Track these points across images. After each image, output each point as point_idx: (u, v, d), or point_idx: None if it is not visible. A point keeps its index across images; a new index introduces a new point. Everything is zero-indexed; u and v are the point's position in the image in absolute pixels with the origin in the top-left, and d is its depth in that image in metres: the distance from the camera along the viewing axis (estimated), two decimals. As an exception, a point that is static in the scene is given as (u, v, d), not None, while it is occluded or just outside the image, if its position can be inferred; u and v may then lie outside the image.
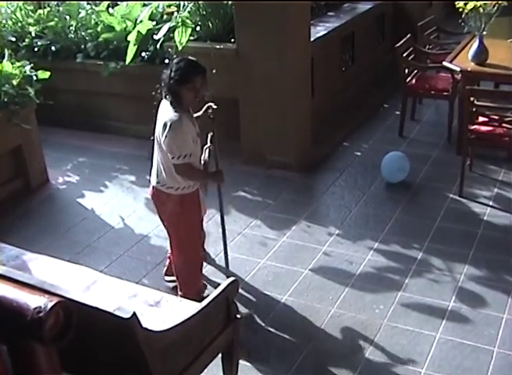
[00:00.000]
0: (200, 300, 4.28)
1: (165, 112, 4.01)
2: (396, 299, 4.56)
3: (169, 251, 4.60)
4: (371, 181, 6.16)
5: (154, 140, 4.20)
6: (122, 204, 6.00)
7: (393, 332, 4.26)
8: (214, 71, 6.27)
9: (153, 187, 4.27)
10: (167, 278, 4.73)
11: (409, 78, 7.06)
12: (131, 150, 6.99)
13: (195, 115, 4.23)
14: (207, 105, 4.27)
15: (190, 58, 4.08)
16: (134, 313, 2.78)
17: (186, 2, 6.62)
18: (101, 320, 2.85)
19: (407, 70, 7.01)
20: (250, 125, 6.39)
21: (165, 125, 3.94)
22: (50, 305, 2.39)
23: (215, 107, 4.32)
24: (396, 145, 6.75)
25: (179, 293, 4.41)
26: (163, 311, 3.53)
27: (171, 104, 3.98)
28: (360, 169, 6.43)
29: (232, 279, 3.51)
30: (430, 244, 5.17)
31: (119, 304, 2.83)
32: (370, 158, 6.60)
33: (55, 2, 7.88)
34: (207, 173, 4.28)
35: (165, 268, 4.76)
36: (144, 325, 2.87)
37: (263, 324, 4.37)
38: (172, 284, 4.63)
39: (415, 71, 7.18)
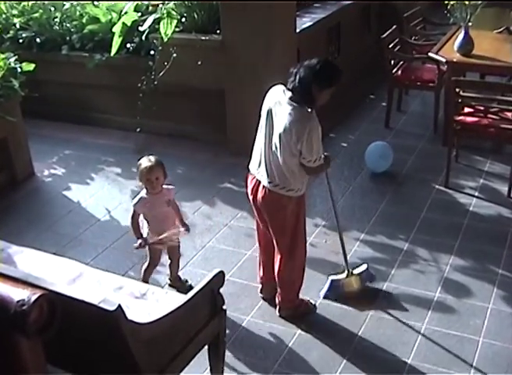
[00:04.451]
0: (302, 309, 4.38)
1: (292, 110, 3.76)
2: (382, 290, 4.57)
3: (261, 270, 4.48)
4: (357, 172, 6.17)
5: (266, 138, 3.93)
6: (108, 196, 5.98)
7: (380, 323, 4.28)
8: (199, 62, 6.28)
9: (269, 190, 3.96)
10: (263, 295, 4.55)
11: (395, 69, 7.07)
12: (117, 142, 6.97)
13: None
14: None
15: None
16: (119, 305, 2.78)
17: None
18: (86, 313, 2.84)
19: (392, 61, 7.01)
20: (237, 116, 6.38)
21: (303, 127, 3.72)
22: (33, 297, 2.39)
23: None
24: (382, 136, 6.75)
25: (281, 304, 4.35)
26: (149, 303, 3.52)
27: (297, 101, 3.76)
28: (346, 160, 6.43)
29: (217, 270, 3.50)
30: (416, 234, 5.19)
31: (105, 296, 2.82)
32: (356, 149, 6.60)
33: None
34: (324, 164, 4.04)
35: (261, 286, 4.56)
36: (130, 317, 2.87)
37: (249, 316, 4.38)
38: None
39: (401, 62, 7.18)
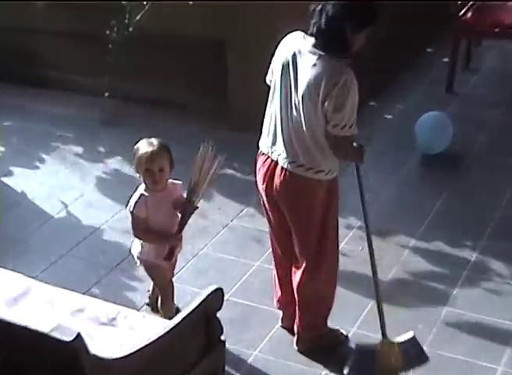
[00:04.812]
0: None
1: (318, 60, 3.77)
2: (440, 317, 4.59)
3: (278, 289, 4.47)
4: (405, 155, 6.19)
5: (282, 102, 3.93)
6: (65, 185, 6.01)
7: (439, 361, 4.25)
8: (190, 3, 6.27)
9: (290, 172, 3.96)
10: (285, 324, 4.55)
11: (463, 10, 7.04)
12: (77, 111, 7.00)
13: None
14: None
15: None
16: (79, 334, 2.80)
17: None
18: (33, 344, 2.86)
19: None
20: (240, 75, 6.38)
21: (332, 81, 3.71)
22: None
23: None
24: (442, 105, 6.75)
25: (301, 333, 4.35)
26: (120, 331, 3.55)
27: (323, 49, 3.77)
28: (391, 138, 6.45)
29: (214, 287, 3.52)
30: (488, 242, 5.21)
31: (59, 322, 2.85)
32: (405, 123, 6.58)
33: None
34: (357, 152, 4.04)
35: (282, 313, 4.56)
36: (93, 350, 2.89)
37: (256, 350, 4.40)
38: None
39: (472, 0, 7.15)
